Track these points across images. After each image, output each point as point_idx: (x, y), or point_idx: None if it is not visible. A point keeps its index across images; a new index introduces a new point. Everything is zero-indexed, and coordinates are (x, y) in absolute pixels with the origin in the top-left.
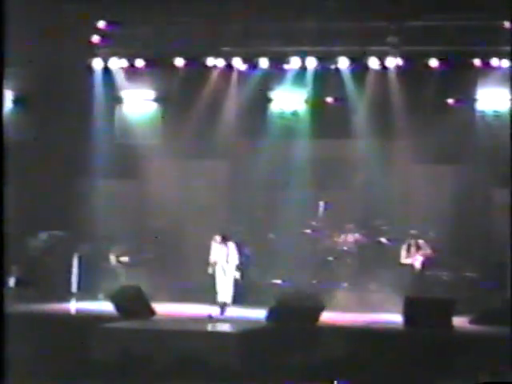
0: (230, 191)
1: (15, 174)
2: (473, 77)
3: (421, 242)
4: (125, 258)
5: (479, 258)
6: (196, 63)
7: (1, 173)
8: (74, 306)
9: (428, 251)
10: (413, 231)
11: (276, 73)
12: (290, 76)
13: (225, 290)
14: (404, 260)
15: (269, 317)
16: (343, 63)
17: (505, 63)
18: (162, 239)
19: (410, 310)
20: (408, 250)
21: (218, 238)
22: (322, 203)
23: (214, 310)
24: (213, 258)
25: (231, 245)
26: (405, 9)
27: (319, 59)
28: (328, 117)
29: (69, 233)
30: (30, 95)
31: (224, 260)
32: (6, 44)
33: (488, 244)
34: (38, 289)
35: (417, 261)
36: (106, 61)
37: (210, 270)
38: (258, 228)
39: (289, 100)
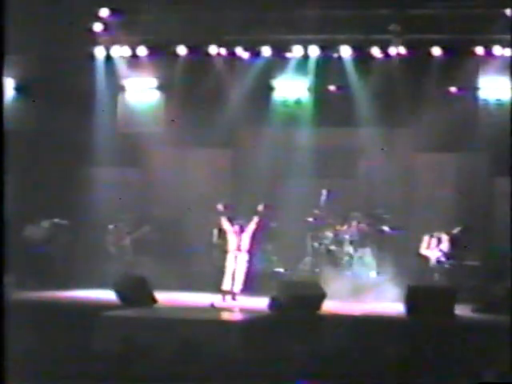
0: (232, 179)
1: (17, 162)
2: (475, 65)
3: (444, 236)
4: (126, 245)
5: (481, 246)
6: (198, 51)
7: (1, 161)
8: (75, 294)
9: (447, 246)
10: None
11: (278, 61)
12: (292, 64)
13: (232, 279)
14: (424, 251)
15: (271, 305)
16: (346, 51)
17: (507, 52)
18: (164, 227)
19: (412, 299)
20: (429, 242)
21: (233, 226)
22: (324, 192)
23: (217, 299)
24: (229, 245)
25: (246, 234)
26: None
27: (322, 47)
28: (331, 105)
29: (71, 221)
30: (32, 83)
31: (236, 248)
32: (6, 32)
33: (490, 232)
34: (40, 277)
35: (434, 255)
36: (108, 49)
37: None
38: (263, 216)
39: (291, 88)
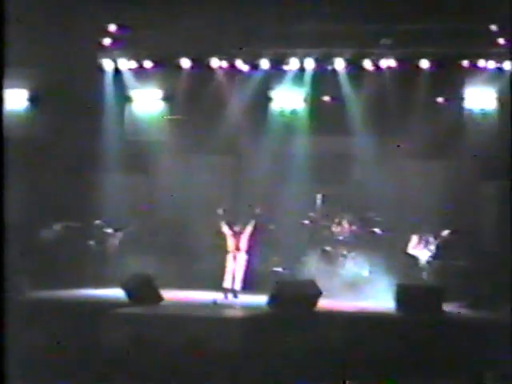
0: (233, 184)
1: (30, 168)
2: (461, 77)
3: (431, 238)
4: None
5: (469, 247)
6: (200, 64)
7: (1, 165)
8: (84, 293)
9: (434, 248)
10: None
11: (276, 73)
12: (289, 76)
13: (232, 277)
14: (411, 250)
15: (269, 302)
16: (339, 64)
17: (491, 64)
18: (170, 230)
19: (402, 296)
20: (418, 243)
21: (231, 228)
22: (319, 196)
23: (219, 296)
24: (228, 246)
25: (244, 235)
26: (398, 13)
27: (317, 61)
28: (325, 115)
29: (82, 224)
30: (44, 94)
31: (235, 249)
32: (7, 42)
33: (477, 234)
34: (51, 278)
35: (423, 255)
36: (115, 62)
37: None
38: (259, 219)
39: (288, 99)
